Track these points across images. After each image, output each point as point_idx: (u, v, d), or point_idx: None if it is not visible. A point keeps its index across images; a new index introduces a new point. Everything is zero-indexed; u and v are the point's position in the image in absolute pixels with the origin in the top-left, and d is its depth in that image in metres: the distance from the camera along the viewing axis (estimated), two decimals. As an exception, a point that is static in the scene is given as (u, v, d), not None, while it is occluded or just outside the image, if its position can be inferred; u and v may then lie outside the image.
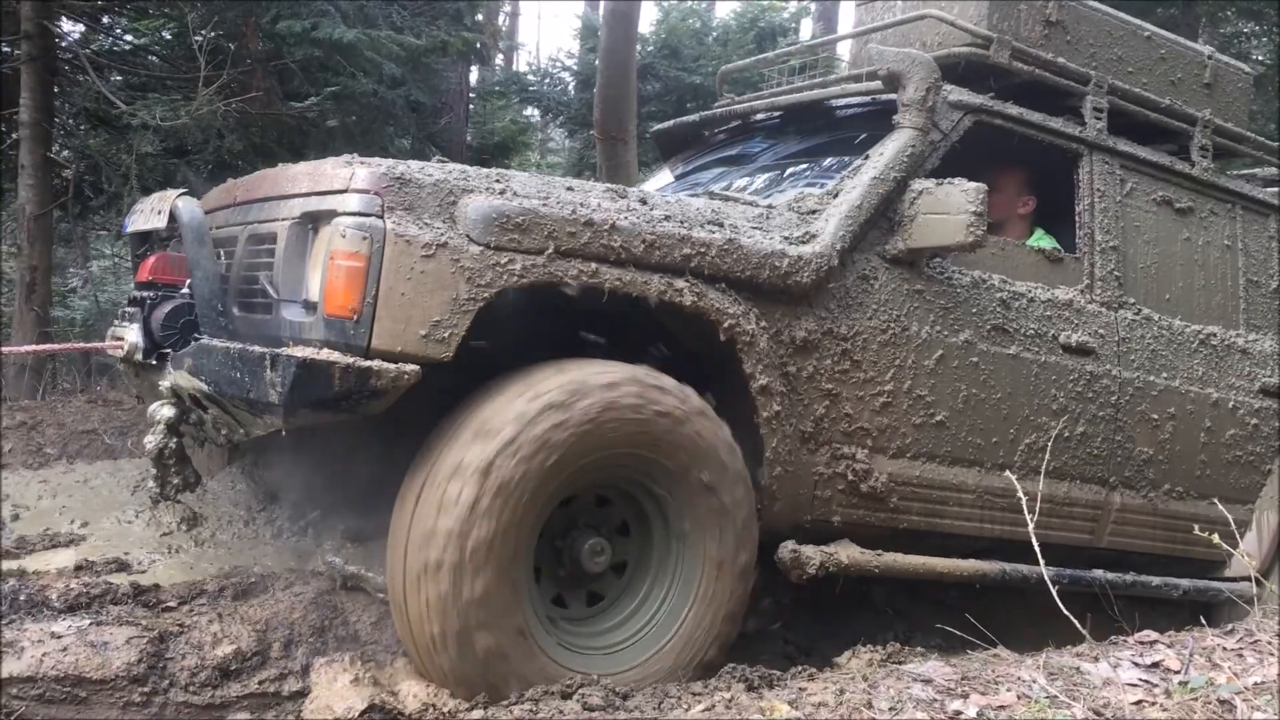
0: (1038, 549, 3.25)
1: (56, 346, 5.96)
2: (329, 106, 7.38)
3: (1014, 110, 3.99)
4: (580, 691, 2.70)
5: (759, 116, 4.66)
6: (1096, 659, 2.81)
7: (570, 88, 15.80)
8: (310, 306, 2.80)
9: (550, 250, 2.85)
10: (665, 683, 2.93)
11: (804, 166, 4.08)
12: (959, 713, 2.35)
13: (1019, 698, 2.45)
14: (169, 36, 8.69)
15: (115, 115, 7.52)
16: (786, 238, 3.32)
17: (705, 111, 4.86)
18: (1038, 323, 3.87)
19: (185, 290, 3.23)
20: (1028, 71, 4.06)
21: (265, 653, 2.99)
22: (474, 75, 13.66)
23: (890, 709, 2.38)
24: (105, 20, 8.98)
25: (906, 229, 3.52)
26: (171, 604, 3.14)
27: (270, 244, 3.04)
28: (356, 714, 2.75)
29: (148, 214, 3.26)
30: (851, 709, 2.37)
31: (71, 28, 8.59)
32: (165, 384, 3.06)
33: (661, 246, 3.02)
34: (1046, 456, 3.84)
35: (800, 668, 3.06)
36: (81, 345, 5.96)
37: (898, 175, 3.55)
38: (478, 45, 9.43)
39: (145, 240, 3.43)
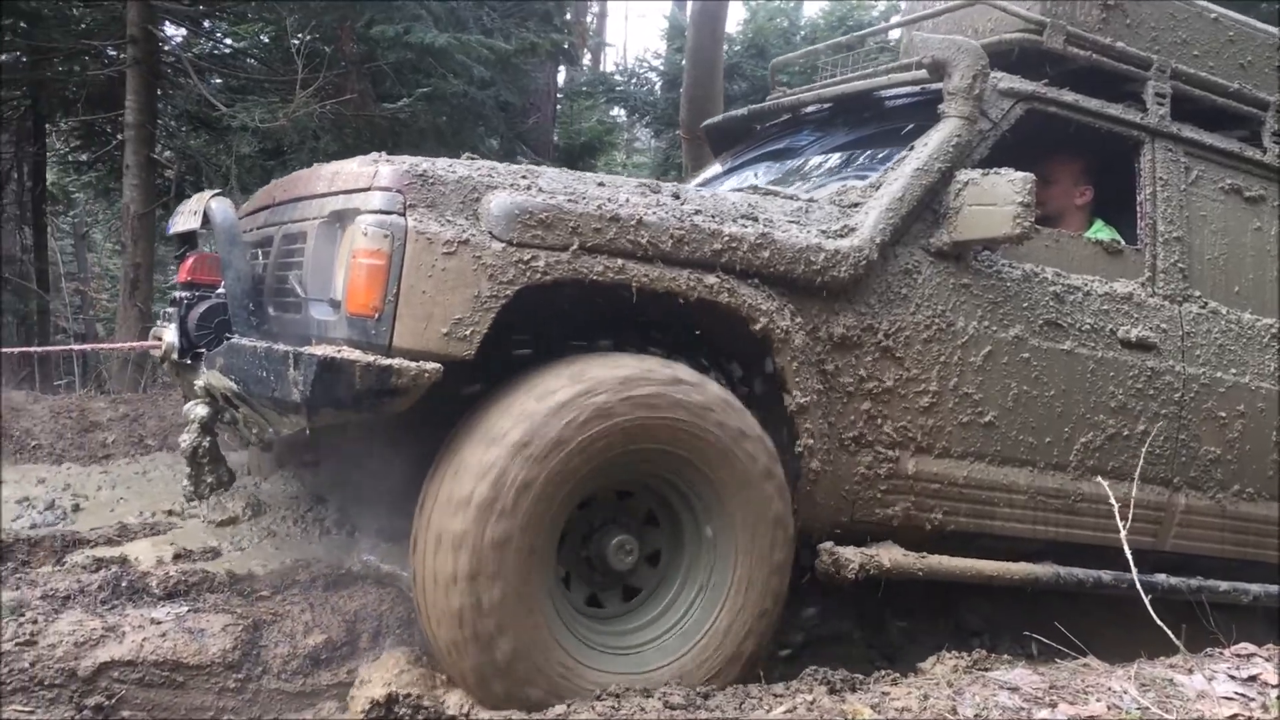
0: (1129, 555, 3.21)
1: (104, 345, 6.07)
2: (420, 108, 7.53)
3: (1069, 97, 3.84)
4: (662, 690, 2.70)
5: (809, 109, 4.57)
6: (1191, 671, 2.71)
7: (657, 87, 15.71)
8: (336, 305, 2.80)
9: (575, 246, 2.80)
10: (707, 676, 2.89)
11: (850, 159, 3.97)
12: None
13: (1109, 708, 2.38)
14: (267, 40, 8.96)
15: (215, 117, 7.77)
16: (824, 231, 3.24)
17: (754, 105, 4.77)
18: (1094, 317, 3.73)
19: (221, 290, 3.25)
20: (1084, 57, 3.91)
21: (354, 643, 3.09)
22: (562, 75, 13.75)
23: (975, 716, 2.33)
24: (206, 24, 9.28)
25: (952, 221, 3.41)
26: (265, 593, 3.26)
27: (301, 243, 3.05)
28: (380, 700, 2.77)
29: (186, 215, 3.30)
30: (936, 715, 2.33)
31: (174, 32, 8.89)
32: (199, 383, 3.09)
33: (691, 242, 2.96)
34: (1104, 456, 3.70)
35: (884, 672, 3.00)
36: (122, 344, 6.07)
37: (942, 166, 3.45)
38: (565, 46, 9.52)
39: (187, 241, 3.46)
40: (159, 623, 2.95)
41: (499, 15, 8.72)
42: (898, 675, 2.97)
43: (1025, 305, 3.58)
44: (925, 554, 3.38)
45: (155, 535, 3.89)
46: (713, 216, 3.06)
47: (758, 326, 3.05)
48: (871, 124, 4.17)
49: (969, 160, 3.57)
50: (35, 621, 2.90)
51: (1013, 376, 3.54)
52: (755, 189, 3.75)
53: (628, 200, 2.96)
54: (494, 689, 2.67)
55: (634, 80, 16.26)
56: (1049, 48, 3.85)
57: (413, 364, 2.63)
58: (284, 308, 3.11)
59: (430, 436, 3.00)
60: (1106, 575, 3.69)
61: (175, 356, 3.22)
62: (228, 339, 3.01)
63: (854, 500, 3.33)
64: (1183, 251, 3.99)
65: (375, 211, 2.71)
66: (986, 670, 2.98)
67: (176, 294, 3.37)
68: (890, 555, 3.31)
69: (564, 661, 2.76)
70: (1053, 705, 2.39)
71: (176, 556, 3.51)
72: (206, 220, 3.10)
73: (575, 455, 2.71)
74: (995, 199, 3.31)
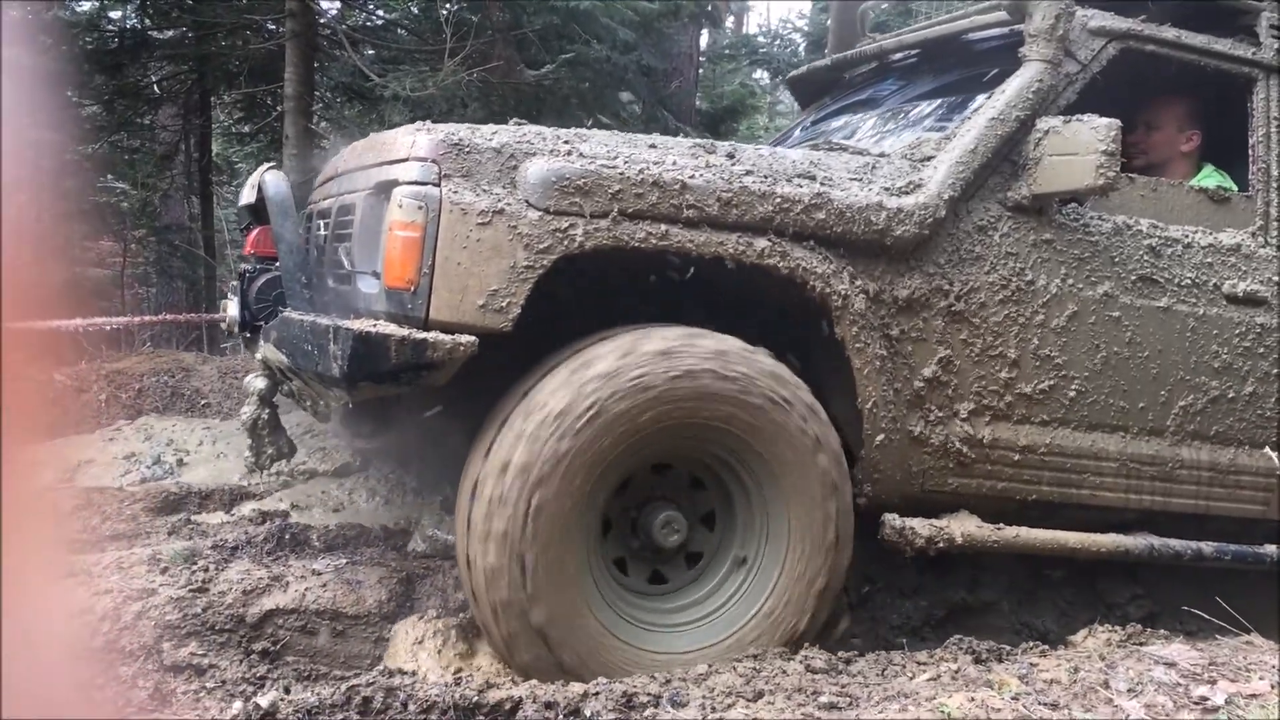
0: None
1: (175, 317, 6.27)
2: (564, 73, 7.55)
3: (1169, 33, 3.56)
4: (805, 654, 2.70)
5: (895, 56, 4.36)
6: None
7: (800, 49, 15.37)
8: (379, 278, 2.78)
9: (615, 212, 2.72)
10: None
11: (930, 108, 3.77)
12: (1205, 699, 2.19)
13: (1271, 686, 2.26)
14: (416, 10, 9.14)
15: (369, 87, 7.97)
16: (887, 188, 3.07)
17: (838, 54, 4.58)
18: (1195, 271, 3.47)
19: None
20: (1188, -11, 3.62)
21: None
22: (704, 39, 13.61)
23: (1129, 690, 2.24)
24: None
25: (1031, 173, 3.20)
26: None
27: (351, 215, 3.04)
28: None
29: (248, 189, 3.33)
30: (1086, 688, 2.25)
31: (329, 5, 9.13)
32: (258, 355, 3.13)
33: (740, 204, 2.84)
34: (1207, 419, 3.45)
35: (1032, 643, 2.92)
36: (192, 316, 6.25)
37: (1021, 114, 3.23)
38: (709, 8, 9.41)
39: (254, 214, 3.50)
40: (320, 574, 3.14)
41: None
42: (1046, 647, 2.90)
43: (1116, 260, 3.35)
44: (1002, 526, 3.21)
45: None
46: (765, 177, 2.93)
47: (814, 291, 2.92)
48: (957, 70, 3.95)
49: (1054, 106, 3.34)
50: (207, 570, 3.10)
51: (1101, 337, 3.32)
52: (827, 144, 3.59)
53: (674, 163, 2.86)
54: (527, 659, 2.65)
55: (777, 42, 15.97)
56: (1148, -20, 3.57)
57: (448, 337, 2.59)
58: (338, 280, 3.11)
59: (490, 406, 2.98)
60: (1208, 547, 3.45)
61: (236, 329, 3.26)
62: (280, 312, 3.03)
63: (924, 470, 3.18)
64: (1300, 197, 3.67)
65: (411, 183, 2.67)
66: (1141, 645, 2.90)
67: (241, 267, 3.41)
68: (963, 527, 3.15)
69: (598, 634, 2.71)
70: (1212, 682, 2.28)
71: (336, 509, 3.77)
72: (260, 193, 3.12)
73: (614, 427, 2.65)
74: (1077, 148, 3.09)
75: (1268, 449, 3.49)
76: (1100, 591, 3.76)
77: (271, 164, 3.20)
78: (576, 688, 2.35)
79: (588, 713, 2.20)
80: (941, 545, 3.11)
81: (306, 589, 3.05)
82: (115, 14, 10.10)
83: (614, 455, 2.69)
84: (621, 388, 2.64)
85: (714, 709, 2.23)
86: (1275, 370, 3.55)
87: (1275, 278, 3.58)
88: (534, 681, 2.56)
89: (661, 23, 8.52)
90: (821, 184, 2.99)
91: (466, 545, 2.70)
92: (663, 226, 2.77)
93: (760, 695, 2.33)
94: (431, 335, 2.59)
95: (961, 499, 3.25)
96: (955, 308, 3.15)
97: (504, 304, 2.64)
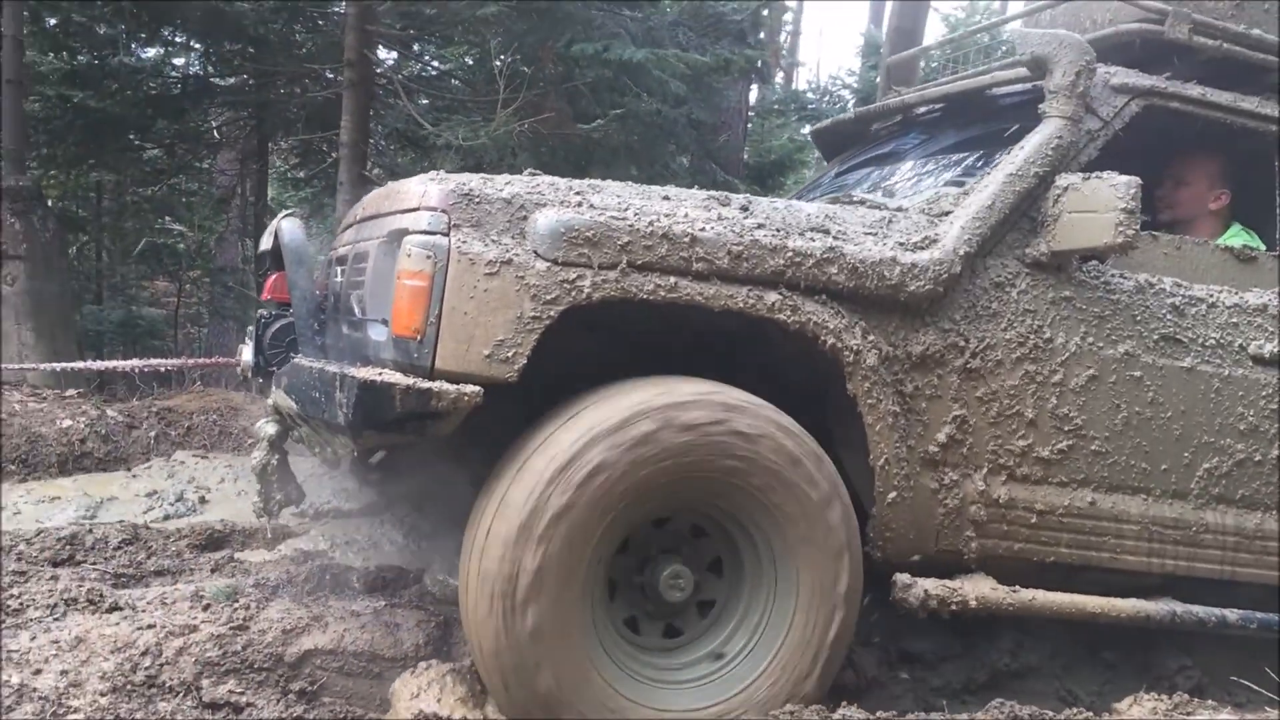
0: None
1: (191, 362, 6.32)
2: (614, 127, 7.66)
3: (1194, 91, 3.52)
4: (842, 712, 2.69)
5: (920, 110, 4.35)
6: None
7: (850, 105, 15.49)
8: (388, 325, 2.79)
9: (623, 264, 2.71)
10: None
11: (951, 163, 3.75)
12: None
13: None
14: (471, 62, 9.37)
15: (422, 136, 8.11)
16: (902, 243, 3.05)
17: (861, 108, 4.57)
18: (1220, 331, 3.40)
19: None
20: (1213, 47, 3.58)
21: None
22: (754, 94, 13.74)
23: None
24: (416, 47, 9.73)
25: (1050, 229, 3.17)
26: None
27: (365, 262, 3.06)
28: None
29: (266, 235, 3.36)
30: None
31: (386, 55, 9.36)
32: (269, 401, 3.14)
33: (751, 258, 2.83)
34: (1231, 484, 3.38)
35: (1075, 710, 2.88)
36: (206, 361, 6.31)
37: (1040, 170, 3.20)
38: (759, 64, 9.53)
39: (271, 260, 3.53)
40: (359, 615, 3.17)
41: (695, 33, 8.84)
42: (1090, 714, 2.84)
43: (1137, 319, 3.29)
44: (1018, 589, 3.14)
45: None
46: (777, 231, 2.91)
47: (825, 345, 2.89)
48: (979, 125, 3.92)
49: (1074, 163, 3.31)
50: (248, 608, 3.13)
51: (1122, 397, 3.26)
52: (846, 198, 3.58)
53: (685, 215, 2.85)
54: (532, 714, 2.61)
55: (826, 98, 16.05)
56: (1172, 38, 3.54)
57: (453, 387, 2.58)
58: (351, 327, 3.12)
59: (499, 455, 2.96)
60: (1232, 614, 3.36)
61: (250, 374, 3.28)
62: (292, 358, 3.04)
63: (938, 529, 3.12)
64: (1330, 257, 3.61)
65: (420, 231, 2.68)
66: (1188, 715, 2.86)
67: (259, 312, 3.44)
68: (977, 589, 3.09)
69: (603, 692, 2.67)
70: None
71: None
72: (277, 240, 3.15)
73: (616, 482, 2.62)
74: (1096, 205, 3.05)
75: (1224, 507, 3.39)
76: (1147, 661, 3.67)
77: (290, 211, 3.23)
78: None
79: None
80: (954, 607, 3.04)
81: (345, 630, 3.09)
82: (179, 60, 10.43)
83: (616, 511, 2.65)
84: (624, 442, 2.61)
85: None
86: (1303, 434, 3.47)
87: (1303, 339, 3.50)
88: None
89: (712, 77, 8.65)
90: (835, 238, 2.97)
91: (468, 599, 2.68)
92: (672, 279, 2.75)
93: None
94: (436, 385, 2.58)
95: (978, 560, 3.19)
96: (971, 365, 3.10)
97: (510, 354, 2.63)
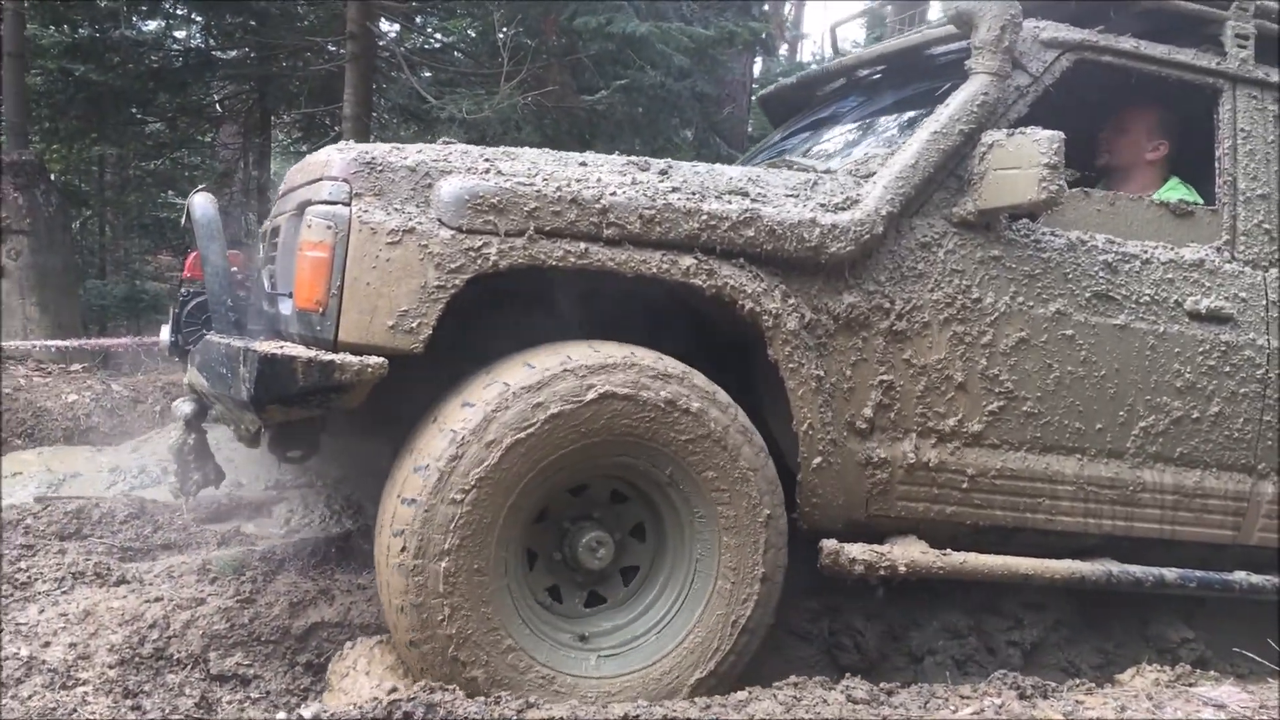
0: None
1: (111, 341, 6.28)
2: (618, 99, 7.69)
3: (1127, 44, 3.46)
4: (845, 684, 2.66)
5: (862, 73, 4.28)
6: None
7: None
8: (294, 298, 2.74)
9: (531, 230, 2.66)
10: (670, 691, 2.72)
11: (886, 123, 3.69)
12: None
13: None
14: (474, 35, 9.35)
15: (425, 109, 8.11)
16: (823, 205, 2.99)
17: (803, 72, 4.51)
18: (1155, 287, 3.35)
19: None
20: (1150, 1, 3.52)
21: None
22: (758, 66, 13.66)
23: None
24: (418, 20, 9.67)
25: (976, 187, 3.11)
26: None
27: (278, 236, 3.00)
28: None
29: (185, 214, 3.30)
30: None
31: (389, 28, 9.36)
32: (185, 379, 3.09)
33: (664, 222, 2.77)
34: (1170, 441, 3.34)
35: (1078, 681, 2.87)
36: (127, 340, 6.26)
37: (965, 128, 3.15)
38: (763, 36, 9.48)
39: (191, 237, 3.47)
40: (365, 588, 3.17)
41: (698, 6, 8.84)
42: (1093, 685, 2.84)
43: (1069, 277, 3.25)
44: (949, 552, 3.11)
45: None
46: (693, 194, 2.85)
47: (743, 310, 2.85)
48: (916, 84, 3.85)
49: (1004, 120, 3.25)
50: (254, 581, 3.16)
51: (1054, 357, 3.21)
52: (782, 162, 3.53)
53: (598, 180, 2.80)
54: (442, 679, 2.57)
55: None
56: (1107, -10, 3.48)
57: (355, 359, 2.53)
58: (268, 302, 3.07)
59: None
60: (1170, 574, 3.33)
61: (168, 353, 3.23)
62: (204, 335, 2.99)
63: (868, 495, 3.08)
64: (1269, 211, 3.55)
65: (322, 202, 2.63)
66: (1190, 686, 2.84)
67: (180, 290, 3.38)
68: (907, 553, 3.05)
69: (517, 658, 2.63)
70: None
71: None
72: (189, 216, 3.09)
73: (531, 446, 2.58)
74: (1020, 161, 3.00)
75: (1162, 465, 3.38)
76: (1149, 634, 3.66)
77: (202, 186, 3.16)
78: (616, 709, 2.39)
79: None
80: (883, 572, 3.01)
81: (352, 603, 3.12)
82: (180, 33, 10.38)
83: (528, 478, 2.61)
84: (539, 403, 2.57)
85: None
86: (1243, 390, 3.43)
87: (1242, 294, 3.46)
88: (574, 701, 2.57)
89: (716, 50, 8.61)
90: (754, 200, 2.92)
91: (380, 564, 2.64)
92: (582, 245, 2.70)
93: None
94: (338, 357, 2.53)
95: (909, 524, 3.15)
96: (897, 327, 3.05)
97: (414, 324, 2.58)
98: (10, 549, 3.43)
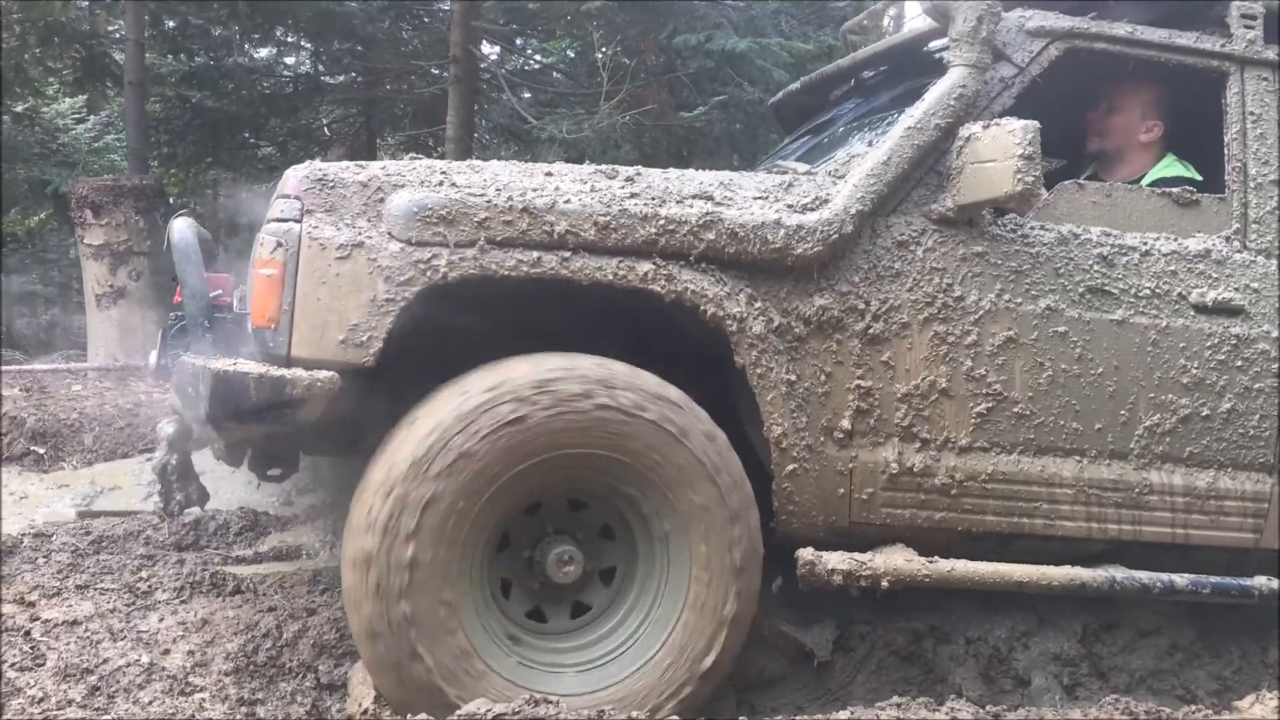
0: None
1: (84, 365, 6.41)
2: (715, 115, 7.75)
3: (1121, 30, 3.34)
4: (949, 705, 2.63)
5: (867, 74, 4.21)
6: None
7: None
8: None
9: (481, 241, 2.65)
10: (653, 701, 2.67)
11: (874, 123, 3.60)
12: None
13: None
14: (573, 55, 9.56)
15: (526, 129, 8.29)
16: (790, 206, 2.93)
17: (806, 77, 4.44)
18: (1156, 280, 3.21)
19: None
20: (1147, -19, 3.40)
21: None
22: None
23: None
24: (519, 42, 9.92)
25: (955, 183, 3.02)
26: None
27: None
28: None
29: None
30: None
31: (490, 50, 9.61)
32: (168, 401, 3.14)
33: (620, 228, 2.74)
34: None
35: (1194, 708, 2.78)
36: (112, 365, 6.38)
37: (942, 122, 3.05)
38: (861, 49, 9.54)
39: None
40: None
41: (797, 21, 8.86)
42: (1209, 712, 2.75)
43: (1060, 272, 3.13)
44: (936, 559, 3.00)
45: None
46: (652, 200, 2.82)
47: (705, 315, 2.80)
48: (912, 81, 3.76)
49: (985, 113, 3.15)
50: None
51: (1045, 355, 3.09)
52: (774, 167, 3.48)
53: (555, 189, 2.78)
54: (412, 708, 2.56)
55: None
56: (1103, -26, 3.36)
57: (306, 374, 2.55)
58: (239, 323, 3.11)
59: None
60: (1181, 579, 3.16)
61: (154, 375, 3.29)
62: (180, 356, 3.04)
63: (849, 501, 2.99)
64: (1282, 197, 3.39)
65: (275, 220, 2.66)
66: None
67: (170, 314, 3.45)
68: (889, 562, 2.95)
69: (490, 680, 2.60)
70: None
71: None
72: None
73: (487, 465, 2.55)
74: (996, 154, 2.90)
75: (1170, 466, 3.23)
76: (1269, 659, 3.50)
77: (182, 211, 3.22)
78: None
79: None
80: (864, 582, 2.91)
81: None
82: (290, 60, 10.75)
83: (488, 495, 2.58)
84: (492, 422, 2.55)
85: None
86: (1258, 385, 3.26)
87: (1254, 284, 3.30)
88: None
89: (815, 65, 8.59)
90: (718, 204, 2.87)
91: (345, 593, 2.64)
92: (535, 254, 2.68)
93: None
94: (289, 372, 2.55)
95: (896, 531, 3.06)
96: (873, 329, 2.97)
97: (364, 338, 2.58)
98: (131, 559, 3.66)
